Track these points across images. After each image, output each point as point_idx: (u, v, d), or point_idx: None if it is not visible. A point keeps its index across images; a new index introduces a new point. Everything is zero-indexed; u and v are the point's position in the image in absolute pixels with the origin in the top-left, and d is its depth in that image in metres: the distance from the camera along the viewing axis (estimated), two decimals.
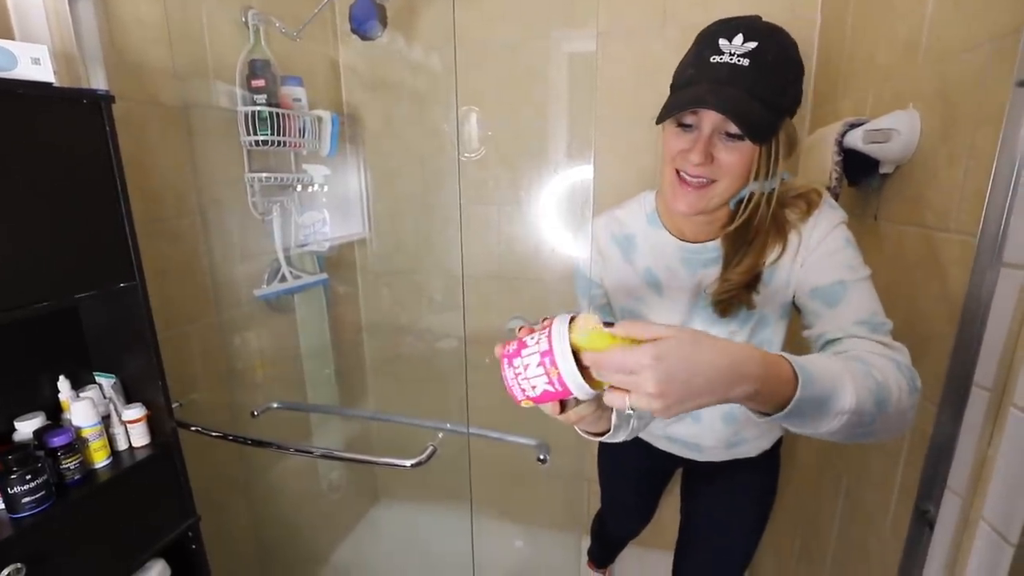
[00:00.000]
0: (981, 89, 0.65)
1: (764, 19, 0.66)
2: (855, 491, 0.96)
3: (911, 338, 0.79)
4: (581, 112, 1.48)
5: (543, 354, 0.46)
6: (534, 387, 0.47)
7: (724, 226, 0.75)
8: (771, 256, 0.73)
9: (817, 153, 0.99)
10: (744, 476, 0.96)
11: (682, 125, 0.68)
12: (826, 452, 1.12)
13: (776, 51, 0.63)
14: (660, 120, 0.67)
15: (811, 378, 0.49)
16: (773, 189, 0.70)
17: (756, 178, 0.68)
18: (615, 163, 1.50)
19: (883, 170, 0.87)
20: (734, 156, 0.66)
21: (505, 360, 0.49)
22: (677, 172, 0.70)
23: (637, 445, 0.98)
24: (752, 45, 0.62)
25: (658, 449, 0.98)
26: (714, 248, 0.77)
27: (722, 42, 0.64)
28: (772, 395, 0.48)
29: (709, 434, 0.89)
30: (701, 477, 1.03)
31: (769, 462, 0.98)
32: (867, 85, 0.99)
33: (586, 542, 1.50)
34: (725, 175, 0.67)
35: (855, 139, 0.88)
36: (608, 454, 1.16)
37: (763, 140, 0.65)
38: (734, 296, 0.75)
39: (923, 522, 0.68)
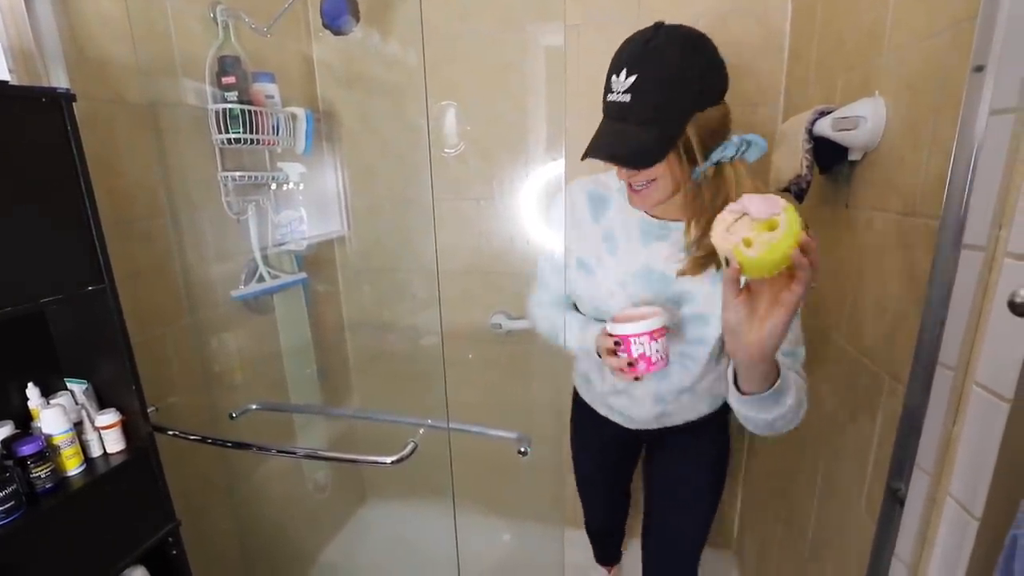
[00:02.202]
0: (941, 75, 0.67)
1: (667, 23, 0.73)
2: (832, 471, 0.98)
3: (882, 321, 0.81)
4: (558, 106, 1.48)
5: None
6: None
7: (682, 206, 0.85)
8: None
9: (789, 141, 1.00)
10: (687, 442, 1.06)
11: None
12: (804, 435, 1.14)
13: (657, 72, 0.70)
14: (583, 159, 0.76)
15: (785, 377, 0.71)
16: (719, 163, 0.77)
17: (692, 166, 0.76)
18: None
19: (852, 157, 0.89)
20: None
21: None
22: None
23: (592, 418, 1.10)
24: (631, 80, 0.71)
25: (602, 416, 1.08)
26: (674, 227, 0.86)
27: (612, 80, 0.74)
28: (765, 376, 0.69)
29: (639, 410, 0.99)
30: (653, 448, 1.15)
31: (714, 433, 1.06)
32: (836, 73, 1.01)
33: (569, 534, 1.51)
34: (659, 175, 0.77)
35: (824, 127, 0.89)
36: (575, 430, 1.24)
37: (648, 163, 0.74)
38: (690, 267, 0.84)
39: (894, 500, 0.70)
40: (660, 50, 0.70)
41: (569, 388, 1.21)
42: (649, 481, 1.17)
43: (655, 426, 1.01)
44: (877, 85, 0.82)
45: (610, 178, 0.92)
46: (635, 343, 0.79)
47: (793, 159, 0.98)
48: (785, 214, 0.56)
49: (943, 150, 0.64)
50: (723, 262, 0.61)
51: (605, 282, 0.91)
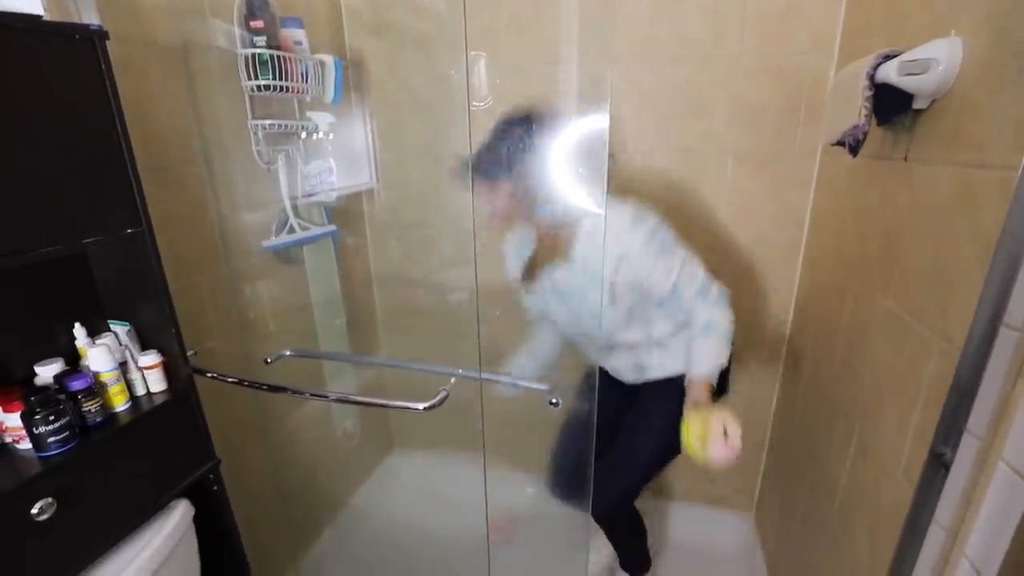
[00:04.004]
0: None
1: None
2: (870, 436, 0.96)
3: (938, 280, 0.77)
4: (595, 55, 1.41)
5: None
6: None
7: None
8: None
9: (846, 89, 0.93)
10: (654, 396, 1.25)
11: None
12: (838, 400, 1.12)
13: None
14: None
15: (711, 374, 1.08)
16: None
17: None
18: (629, 109, 1.45)
19: (917, 105, 0.82)
20: None
21: None
22: None
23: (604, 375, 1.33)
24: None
25: (609, 376, 1.33)
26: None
27: None
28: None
29: (623, 374, 1.28)
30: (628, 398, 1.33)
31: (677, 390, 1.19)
32: (905, 12, 0.92)
33: None
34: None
35: (889, 72, 0.82)
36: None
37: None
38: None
39: (938, 464, 0.68)
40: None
41: None
42: (621, 423, 1.33)
43: (638, 380, 1.26)
44: (953, 24, 0.75)
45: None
46: None
47: (849, 108, 0.91)
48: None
49: None
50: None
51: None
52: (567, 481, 1.37)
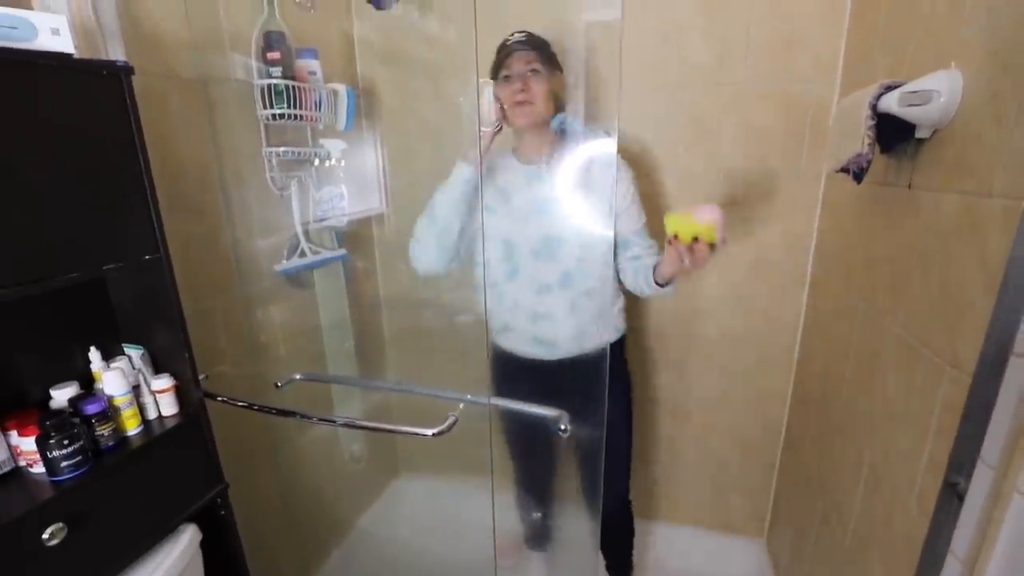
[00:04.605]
0: None
1: None
2: (881, 463, 0.95)
3: (946, 307, 0.77)
4: (601, 82, 1.44)
5: None
6: None
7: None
8: None
9: (849, 118, 0.95)
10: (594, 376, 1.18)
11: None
12: (848, 427, 1.11)
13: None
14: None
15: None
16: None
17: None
18: (632, 132, 1.48)
19: (919, 135, 0.84)
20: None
21: None
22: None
23: (517, 363, 1.26)
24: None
25: (527, 359, 1.25)
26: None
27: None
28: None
29: (562, 330, 1.19)
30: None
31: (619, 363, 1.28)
32: (905, 44, 0.94)
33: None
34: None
35: (890, 103, 0.84)
36: (499, 382, 1.33)
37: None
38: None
39: (952, 494, 0.67)
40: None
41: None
42: None
43: (576, 352, 1.21)
44: (954, 56, 0.77)
45: (497, 152, 1.24)
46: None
47: (853, 137, 0.92)
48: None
49: None
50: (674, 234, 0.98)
51: (505, 218, 1.19)
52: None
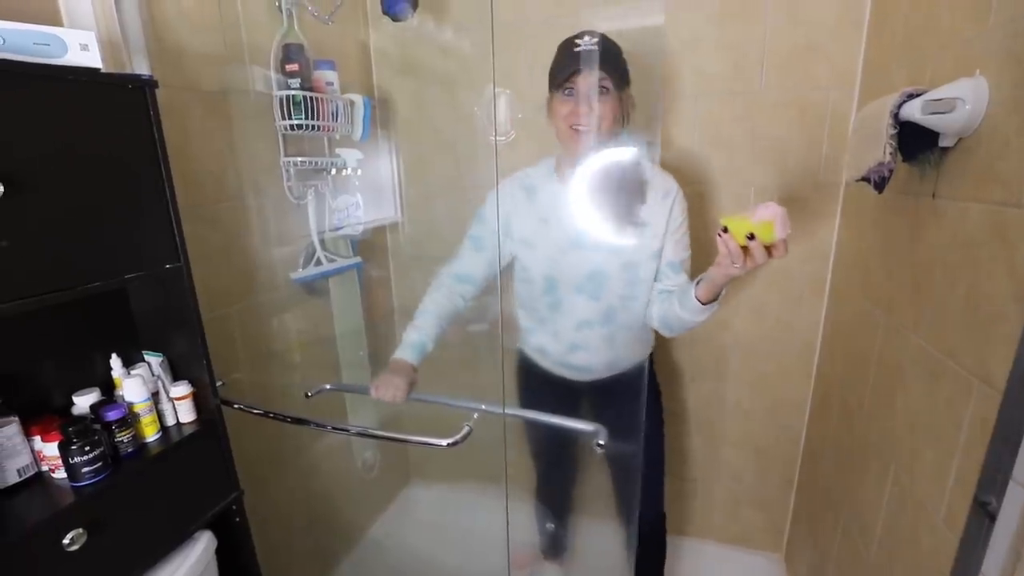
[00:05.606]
0: None
1: None
2: (906, 480, 0.93)
3: (973, 320, 0.75)
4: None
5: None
6: None
7: None
8: None
9: (869, 127, 0.93)
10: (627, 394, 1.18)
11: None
12: (871, 439, 1.08)
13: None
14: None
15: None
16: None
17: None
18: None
19: (943, 143, 0.82)
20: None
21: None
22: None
23: (547, 378, 1.25)
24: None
25: (557, 376, 1.24)
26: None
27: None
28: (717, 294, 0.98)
29: (597, 359, 1.17)
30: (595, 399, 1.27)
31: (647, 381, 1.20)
32: (927, 52, 0.93)
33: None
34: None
35: (913, 111, 0.82)
36: (525, 390, 1.34)
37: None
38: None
39: (984, 513, 0.65)
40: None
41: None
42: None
43: (607, 374, 1.19)
44: (978, 64, 0.75)
45: (537, 170, 1.15)
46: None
47: (874, 146, 0.91)
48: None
49: None
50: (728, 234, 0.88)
51: (547, 251, 1.10)
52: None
